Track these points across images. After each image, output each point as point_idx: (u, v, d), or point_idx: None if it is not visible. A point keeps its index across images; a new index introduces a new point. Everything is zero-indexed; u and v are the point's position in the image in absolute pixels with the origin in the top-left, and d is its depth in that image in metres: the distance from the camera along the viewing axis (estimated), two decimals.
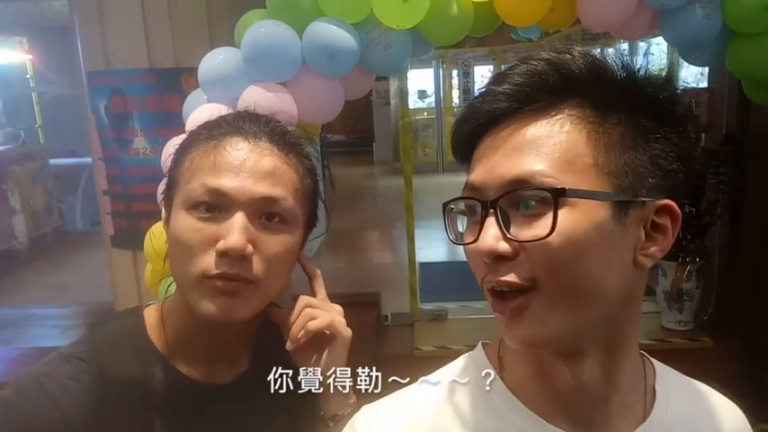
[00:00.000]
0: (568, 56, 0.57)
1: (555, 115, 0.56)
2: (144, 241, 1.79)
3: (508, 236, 0.54)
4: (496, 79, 0.59)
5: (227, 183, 0.74)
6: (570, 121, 0.56)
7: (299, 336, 0.82)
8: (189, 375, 0.81)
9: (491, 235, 0.54)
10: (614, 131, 0.56)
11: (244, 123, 0.79)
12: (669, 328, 3.01)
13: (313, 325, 0.82)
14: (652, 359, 0.69)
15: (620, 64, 0.59)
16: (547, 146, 0.55)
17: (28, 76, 6.35)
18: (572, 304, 0.55)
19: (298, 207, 0.79)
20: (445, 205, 0.61)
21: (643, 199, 0.56)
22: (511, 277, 0.54)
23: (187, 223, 0.74)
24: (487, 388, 0.63)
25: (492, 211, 0.55)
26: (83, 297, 3.98)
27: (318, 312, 0.83)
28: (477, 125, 0.59)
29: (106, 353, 0.79)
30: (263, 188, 0.75)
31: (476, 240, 0.55)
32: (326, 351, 0.84)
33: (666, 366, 0.70)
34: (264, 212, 0.76)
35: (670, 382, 0.67)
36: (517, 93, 0.56)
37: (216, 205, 0.74)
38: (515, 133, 0.56)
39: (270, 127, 0.80)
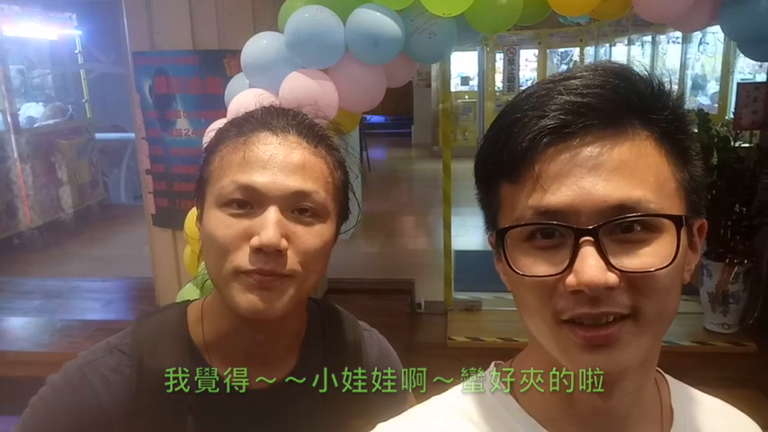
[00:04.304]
0: (634, 73, 0.54)
1: (633, 136, 0.52)
2: (184, 221, 1.82)
3: (615, 266, 0.50)
4: (562, 86, 0.52)
5: (259, 178, 0.73)
6: (649, 143, 0.53)
7: None
8: (224, 376, 0.80)
9: (593, 266, 0.49)
10: (677, 152, 0.55)
11: (272, 118, 0.78)
12: (712, 330, 2.92)
13: None
14: (665, 375, 0.66)
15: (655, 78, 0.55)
16: (639, 169, 0.51)
17: (77, 52, 6.49)
18: (659, 329, 0.53)
19: (330, 200, 0.78)
20: (504, 231, 0.54)
21: (695, 217, 0.57)
22: (612, 308, 0.50)
23: (220, 220, 0.74)
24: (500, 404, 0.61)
25: (591, 239, 0.50)
26: (125, 271, 4.09)
27: None
28: (542, 134, 0.52)
29: (147, 347, 0.80)
30: (295, 182, 0.74)
31: (564, 272, 0.51)
32: None
33: (680, 382, 0.67)
34: (297, 206, 0.75)
35: (686, 399, 0.65)
36: (596, 106, 0.51)
37: (248, 201, 0.73)
38: (603, 153, 0.51)
39: (298, 120, 0.79)
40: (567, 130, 0.51)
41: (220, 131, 0.81)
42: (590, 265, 0.49)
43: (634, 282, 0.50)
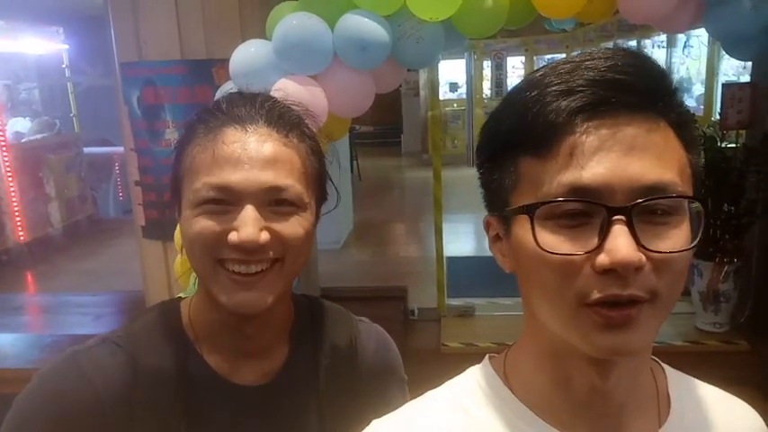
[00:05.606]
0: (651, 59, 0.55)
1: (657, 120, 0.52)
2: (174, 232, 1.81)
3: (645, 247, 0.49)
4: (590, 63, 0.52)
5: (231, 177, 0.73)
6: (670, 129, 0.54)
7: None
8: (216, 370, 0.80)
9: (626, 245, 0.49)
10: (688, 139, 0.55)
11: (238, 109, 0.77)
12: (704, 329, 2.93)
13: None
14: (662, 363, 0.66)
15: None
16: (667, 153, 0.52)
17: (64, 66, 6.46)
18: (669, 311, 0.54)
19: (305, 190, 0.77)
20: (534, 207, 0.52)
21: None
22: (638, 290, 0.50)
23: (197, 221, 0.74)
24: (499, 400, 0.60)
25: (623, 218, 0.49)
26: (115, 285, 4.06)
27: None
28: (576, 109, 0.51)
29: (141, 340, 0.80)
30: (268, 177, 0.74)
31: (593, 251, 0.50)
32: None
33: (678, 371, 0.67)
34: (273, 200, 0.75)
35: (684, 387, 0.65)
36: (631, 84, 0.51)
37: (223, 200, 0.74)
38: (639, 133, 0.51)
39: (266, 108, 0.78)
40: (603, 107, 0.51)
41: (188, 128, 0.80)
42: (624, 245, 0.49)
43: (658, 264, 0.50)
